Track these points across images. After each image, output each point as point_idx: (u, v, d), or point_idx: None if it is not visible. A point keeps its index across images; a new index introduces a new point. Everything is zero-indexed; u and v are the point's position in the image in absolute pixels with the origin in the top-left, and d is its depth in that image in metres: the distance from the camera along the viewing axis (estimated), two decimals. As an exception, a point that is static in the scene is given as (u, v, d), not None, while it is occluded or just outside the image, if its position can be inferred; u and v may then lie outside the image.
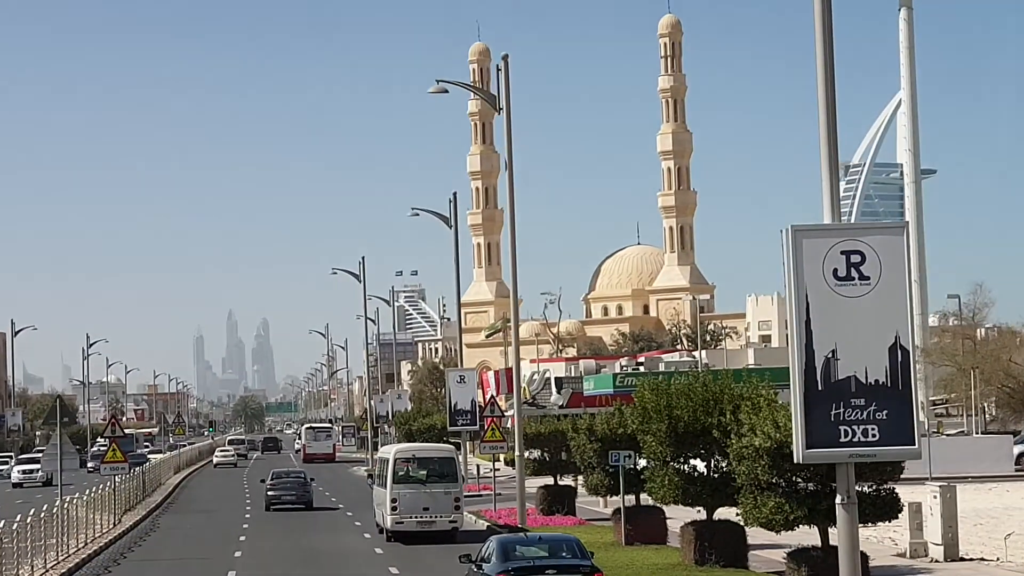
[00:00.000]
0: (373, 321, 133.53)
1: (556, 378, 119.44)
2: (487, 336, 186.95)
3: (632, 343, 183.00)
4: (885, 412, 22.88)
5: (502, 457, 75.96)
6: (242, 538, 54.66)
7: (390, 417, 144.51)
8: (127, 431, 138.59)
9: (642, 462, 46.17)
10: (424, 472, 50.85)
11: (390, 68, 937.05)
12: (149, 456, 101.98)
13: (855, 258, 22.85)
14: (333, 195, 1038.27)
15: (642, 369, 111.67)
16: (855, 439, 22.87)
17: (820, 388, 22.72)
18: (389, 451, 53.59)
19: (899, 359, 22.77)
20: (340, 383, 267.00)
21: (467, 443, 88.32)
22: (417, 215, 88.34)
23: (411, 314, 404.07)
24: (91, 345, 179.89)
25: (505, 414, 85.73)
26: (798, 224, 22.75)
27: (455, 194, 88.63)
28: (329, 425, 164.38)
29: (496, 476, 65.03)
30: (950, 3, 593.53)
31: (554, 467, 60.73)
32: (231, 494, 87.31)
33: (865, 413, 22.82)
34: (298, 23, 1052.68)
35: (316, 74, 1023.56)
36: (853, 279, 22.88)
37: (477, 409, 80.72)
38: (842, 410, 22.76)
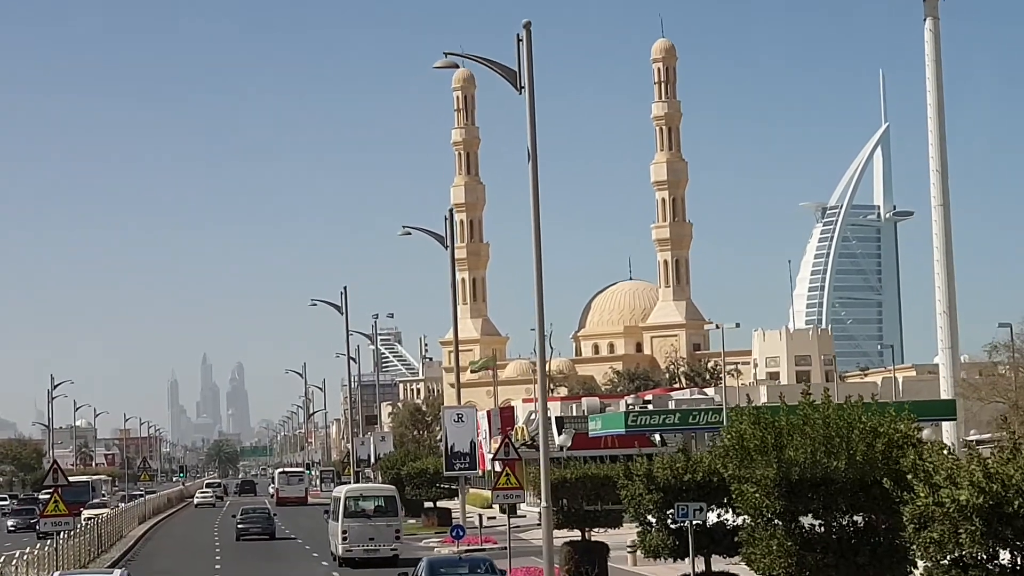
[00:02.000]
0: (354, 359, 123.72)
1: (556, 417, 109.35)
2: (474, 370, 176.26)
3: (627, 381, 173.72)
4: None
5: (495, 505, 69.27)
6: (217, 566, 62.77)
7: (372, 461, 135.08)
8: (84, 478, 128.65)
9: (712, 517, 36.82)
10: (370, 508, 60.00)
11: (372, 87, 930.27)
12: (84, 510, 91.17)
13: None
14: (309, 232, 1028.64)
15: (651, 407, 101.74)
16: None
17: None
18: (341, 491, 63.08)
19: None
20: (317, 426, 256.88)
21: (464, 488, 79.82)
22: (408, 234, 79.81)
23: (388, 357, 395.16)
24: (56, 387, 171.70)
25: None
26: None
27: (451, 210, 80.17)
28: (301, 470, 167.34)
29: (492, 527, 58.60)
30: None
31: (581, 519, 51.08)
32: (202, 537, 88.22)
33: None
34: (271, 59, 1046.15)
35: (291, 98, 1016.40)
36: None
37: (475, 451, 75.72)
38: None
